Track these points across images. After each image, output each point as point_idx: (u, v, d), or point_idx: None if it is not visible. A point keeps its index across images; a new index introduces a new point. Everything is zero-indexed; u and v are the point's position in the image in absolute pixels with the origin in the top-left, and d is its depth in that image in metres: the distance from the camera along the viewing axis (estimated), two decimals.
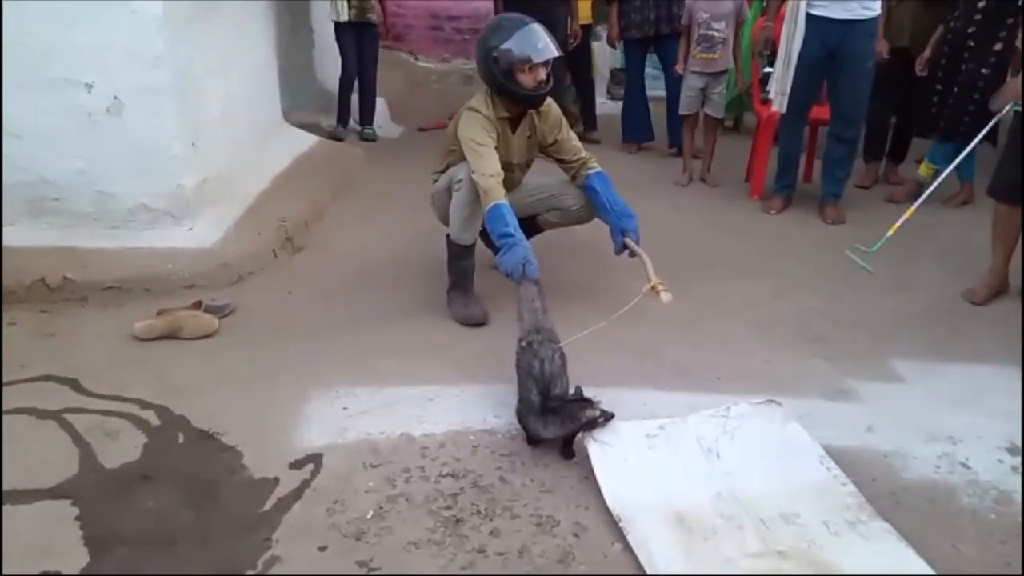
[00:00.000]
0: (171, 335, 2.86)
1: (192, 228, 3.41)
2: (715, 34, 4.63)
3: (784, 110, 4.12)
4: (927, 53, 4.29)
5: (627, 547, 1.87)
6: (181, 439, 2.31)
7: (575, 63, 5.60)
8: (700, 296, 3.21)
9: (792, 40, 3.95)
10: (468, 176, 2.84)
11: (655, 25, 5.16)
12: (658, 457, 2.14)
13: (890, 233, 2.32)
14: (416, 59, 8.03)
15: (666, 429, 2.22)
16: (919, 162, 4.56)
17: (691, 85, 4.76)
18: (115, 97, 3.22)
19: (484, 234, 3.02)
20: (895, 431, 2.33)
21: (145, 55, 3.19)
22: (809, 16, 3.91)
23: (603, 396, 2.23)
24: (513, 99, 2.89)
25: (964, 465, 2.19)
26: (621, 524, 1.91)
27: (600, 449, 2.13)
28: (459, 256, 3.07)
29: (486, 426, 2.35)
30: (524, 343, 2.32)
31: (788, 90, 4.02)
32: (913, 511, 2.00)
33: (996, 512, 2.00)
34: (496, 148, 2.85)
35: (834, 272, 3.53)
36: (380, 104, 6.06)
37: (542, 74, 2.85)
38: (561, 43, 4.79)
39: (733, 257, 3.72)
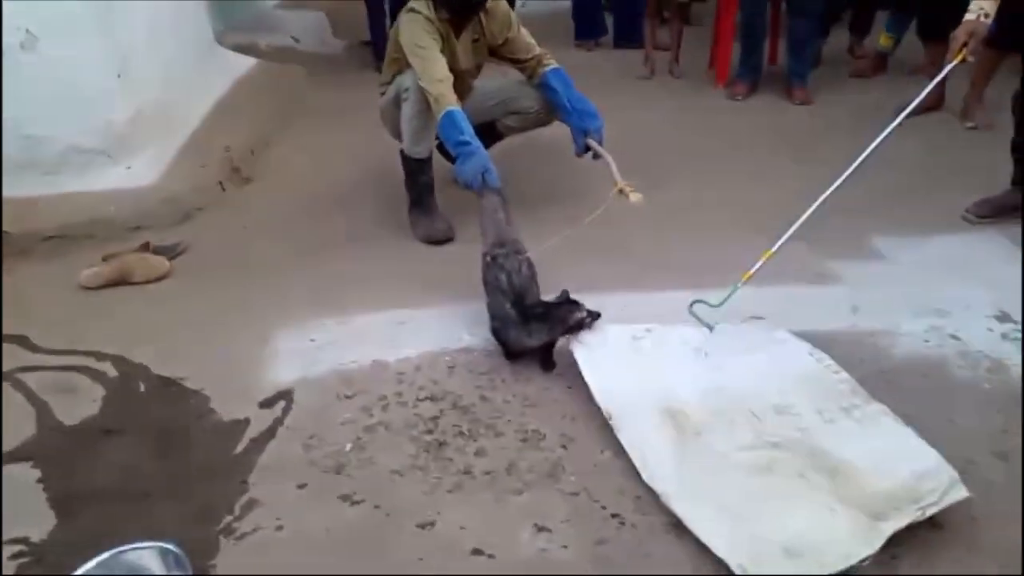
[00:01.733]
0: (121, 281, 2.70)
1: (131, 166, 3.20)
2: None
3: None
4: None
5: (617, 452, 1.81)
6: (142, 388, 2.19)
7: None
8: (673, 191, 3.10)
9: None
10: (416, 84, 2.65)
11: None
12: (646, 356, 2.06)
13: (740, 285, 2.24)
14: None
15: (653, 332, 2.14)
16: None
17: None
18: (27, 31, 2.95)
19: (441, 146, 2.86)
20: (881, 309, 2.27)
21: None
22: None
23: (583, 300, 2.13)
24: (450, 5, 2.68)
25: (954, 337, 2.15)
26: (612, 422, 1.85)
27: (586, 351, 2.04)
28: (416, 171, 2.91)
29: (462, 345, 2.26)
30: (488, 258, 2.21)
31: None
32: (906, 389, 1.96)
33: (989, 381, 1.97)
34: (441, 51, 2.66)
35: (805, 155, 3.42)
36: (319, 17, 5.73)
37: None
38: None
39: (703, 149, 3.59)
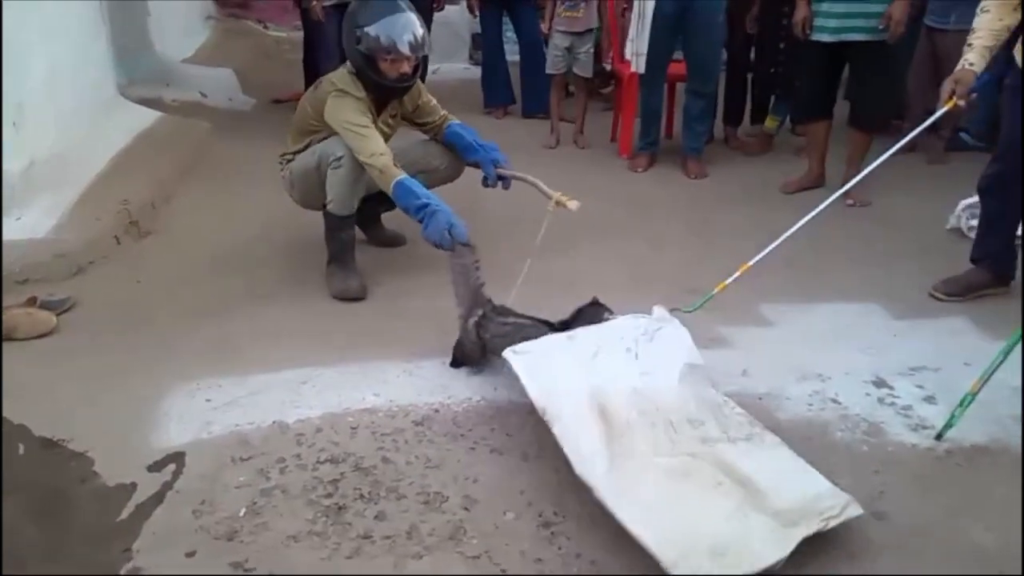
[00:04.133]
0: (5, 336, 2.56)
1: (20, 217, 3.07)
2: None
3: (641, 70, 4.15)
4: (754, 11, 4.44)
5: (520, 514, 1.82)
6: (21, 450, 2.07)
7: None
8: (576, 257, 3.20)
9: (645, 1, 3.96)
10: (348, 152, 2.68)
11: None
12: (578, 355, 2.09)
13: (714, 293, 2.42)
14: (266, 28, 7.61)
15: (588, 331, 2.19)
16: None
17: (557, 44, 4.70)
18: None
19: (361, 209, 2.90)
20: (768, 373, 2.39)
21: None
22: None
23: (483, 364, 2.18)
24: (372, 87, 2.76)
25: (834, 401, 2.27)
26: (545, 417, 1.89)
27: (519, 356, 2.06)
28: (339, 228, 2.91)
29: (365, 405, 2.23)
30: (470, 323, 2.25)
31: (644, 50, 4.05)
32: (791, 449, 2.05)
33: (867, 444, 2.08)
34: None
35: (700, 227, 3.59)
36: (227, 74, 5.69)
37: (406, 67, 2.74)
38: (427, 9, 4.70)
39: (606, 217, 3.72)
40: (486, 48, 5.51)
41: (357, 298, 2.86)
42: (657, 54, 4.13)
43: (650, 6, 4.00)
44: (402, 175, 2.60)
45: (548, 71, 4.82)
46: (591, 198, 3.91)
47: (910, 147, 4.50)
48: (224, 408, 2.22)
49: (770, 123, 4.67)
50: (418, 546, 1.75)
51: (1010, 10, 2.59)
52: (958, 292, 2.85)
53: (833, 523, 1.68)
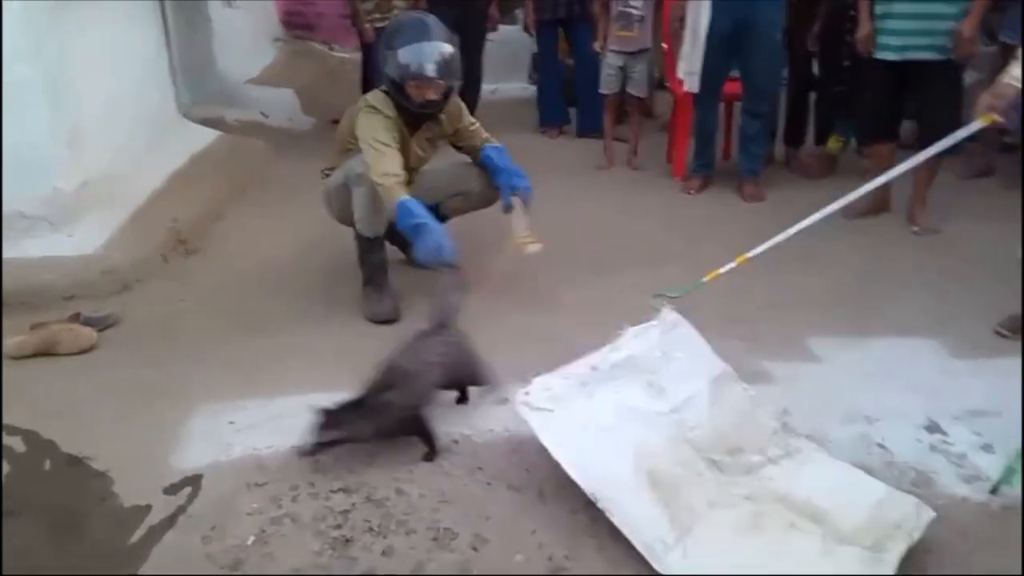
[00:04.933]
0: (46, 351, 2.63)
1: (72, 235, 3.16)
2: (632, 11, 4.51)
3: (695, 89, 4.04)
4: (815, 28, 4.26)
5: (529, 557, 1.74)
6: (48, 466, 2.10)
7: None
8: (617, 281, 3.10)
9: (698, 18, 3.87)
10: (367, 168, 2.68)
11: (567, 7, 5.03)
12: (601, 405, 1.98)
13: (705, 280, 2.31)
14: (331, 49, 7.75)
15: (598, 369, 2.06)
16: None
17: (610, 63, 4.63)
18: None
19: (391, 234, 2.88)
20: (811, 413, 2.24)
21: (6, 50, 2.92)
22: None
23: (509, 393, 2.15)
24: (401, 108, 2.77)
25: (881, 446, 2.11)
26: (600, 506, 1.76)
27: (541, 419, 1.92)
28: (367, 250, 2.91)
29: None
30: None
31: (698, 69, 3.94)
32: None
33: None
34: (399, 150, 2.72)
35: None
36: (289, 95, 5.81)
37: (431, 93, 2.74)
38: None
39: (652, 241, 3.62)
40: (542, 67, 5.48)
41: (389, 320, 2.83)
42: (712, 73, 4.00)
43: (703, 23, 3.88)
44: (404, 196, 2.58)
45: (601, 91, 4.74)
46: (644, 219, 3.86)
47: (984, 170, 4.30)
48: (246, 430, 2.22)
49: (834, 144, 4.48)
50: None
51: None
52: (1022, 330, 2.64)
53: (916, 534, 1.69)
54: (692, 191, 4.23)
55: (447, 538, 1.81)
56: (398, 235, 2.93)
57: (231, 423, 2.25)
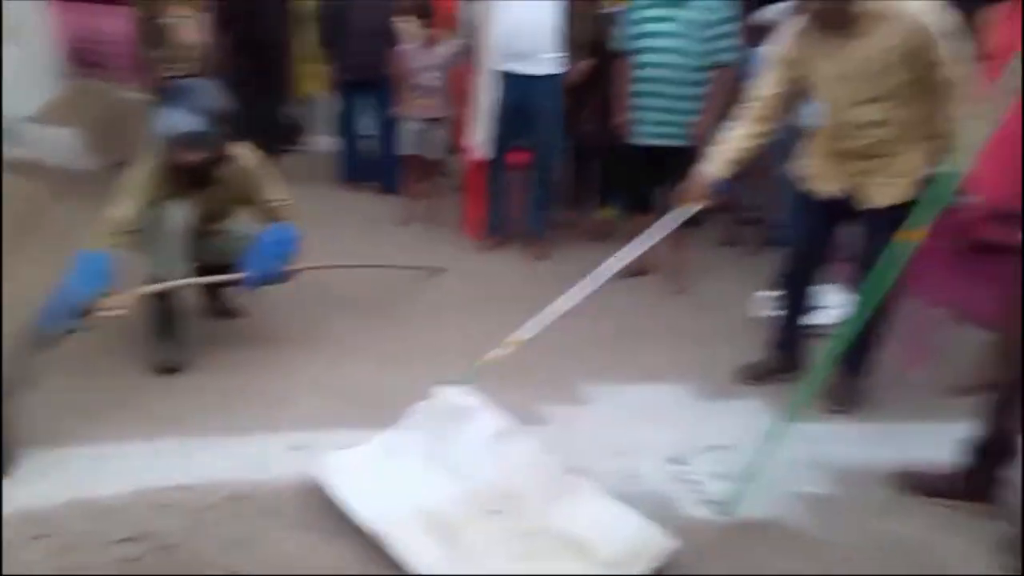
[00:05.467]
0: None
1: None
2: (429, 83, 4.83)
3: (487, 155, 4.39)
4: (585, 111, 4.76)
5: None
6: None
7: None
8: (408, 336, 3.29)
9: (483, 92, 4.24)
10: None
11: (372, 70, 5.25)
12: (391, 465, 2.20)
13: (478, 364, 2.66)
14: (118, 87, 7.40)
15: (388, 447, 2.28)
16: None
17: (410, 128, 4.91)
18: None
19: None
20: (578, 450, 2.53)
21: None
22: (500, 71, 4.24)
23: (302, 440, 2.31)
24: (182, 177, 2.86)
25: (634, 476, 2.43)
26: (383, 538, 1.95)
27: (335, 476, 2.14)
28: (159, 296, 2.89)
29: (174, 482, 2.20)
30: None
31: (487, 138, 4.30)
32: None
33: (659, 517, 2.22)
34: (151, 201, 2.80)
35: (539, 305, 3.76)
36: (71, 134, 5.53)
37: (187, 157, 2.81)
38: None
39: (443, 296, 3.85)
40: (344, 126, 5.66)
41: (173, 370, 2.83)
42: (500, 142, 4.40)
43: (488, 97, 4.27)
44: (98, 246, 2.67)
45: (401, 152, 4.99)
46: (436, 279, 4.10)
47: (731, 241, 4.97)
48: (19, 483, 2.14)
49: (606, 212, 4.98)
50: None
51: (758, 125, 2.85)
52: (754, 377, 3.13)
53: (659, 560, 2.00)
54: (487, 248, 4.54)
55: None
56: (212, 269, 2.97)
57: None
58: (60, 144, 5.44)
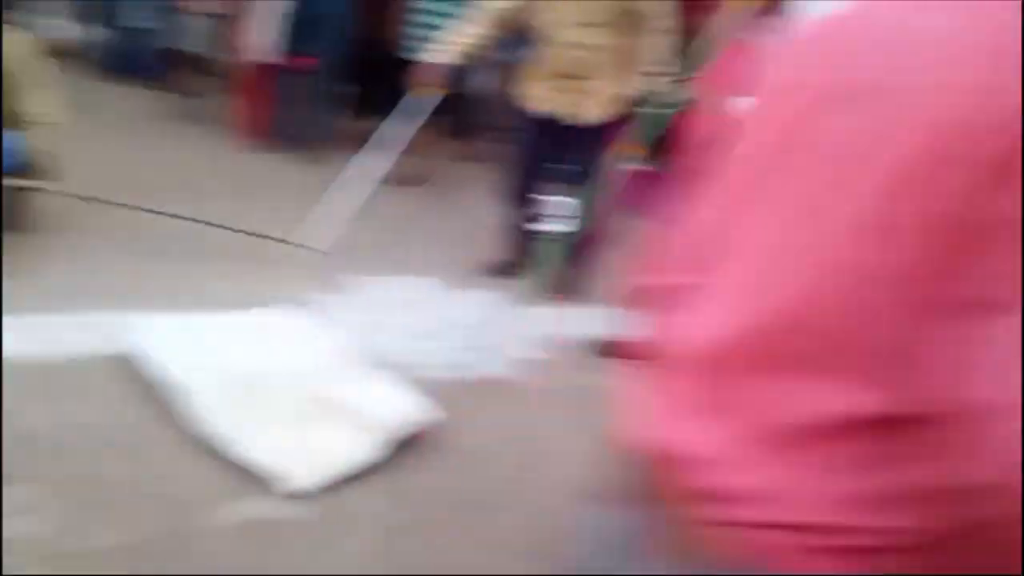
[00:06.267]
0: None
1: None
2: None
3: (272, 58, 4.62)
4: None
5: None
6: None
7: None
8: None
9: None
10: None
11: None
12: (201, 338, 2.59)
13: None
14: None
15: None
16: None
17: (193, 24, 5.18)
18: None
19: None
20: (343, 332, 2.99)
21: None
22: None
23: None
24: None
25: (390, 351, 2.95)
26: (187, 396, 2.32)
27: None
28: None
29: None
30: None
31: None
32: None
33: (414, 382, 2.78)
34: None
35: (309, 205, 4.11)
36: None
37: None
38: None
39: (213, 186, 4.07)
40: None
41: None
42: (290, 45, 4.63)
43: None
44: None
45: (180, 46, 5.24)
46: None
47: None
48: None
49: None
50: None
51: (489, 29, 3.23)
52: (493, 271, 3.77)
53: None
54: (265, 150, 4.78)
55: None
56: None
57: None
58: None
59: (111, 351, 2.54)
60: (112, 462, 2.12)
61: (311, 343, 2.77)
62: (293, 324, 2.85)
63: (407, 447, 2.39)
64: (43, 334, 2.57)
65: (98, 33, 5.57)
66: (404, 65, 4.32)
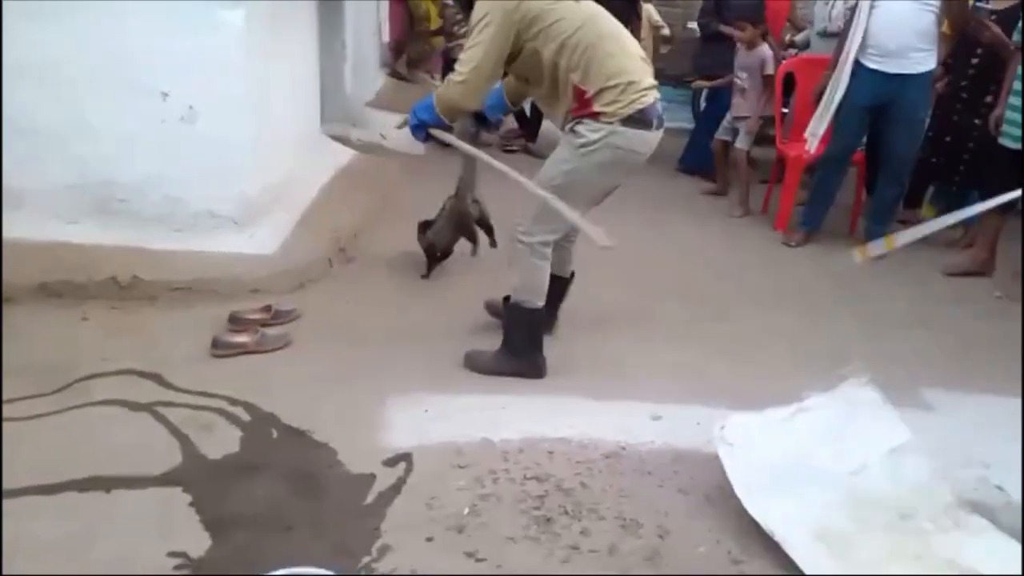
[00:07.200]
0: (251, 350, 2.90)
1: (253, 235, 3.54)
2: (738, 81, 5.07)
3: (812, 150, 4.39)
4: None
5: (711, 549, 2.05)
6: (274, 434, 2.46)
7: None
8: (738, 324, 3.44)
9: (836, 89, 4.21)
10: None
11: None
12: (785, 454, 2.25)
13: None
14: (433, 78, 8.19)
15: (787, 420, 2.34)
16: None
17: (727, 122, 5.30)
18: (190, 107, 3.36)
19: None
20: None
21: (225, 66, 3.34)
22: (862, 67, 4.18)
23: (661, 411, 2.59)
24: None
25: (999, 488, 2.40)
26: (776, 538, 2.02)
27: (728, 452, 2.23)
28: None
29: (559, 435, 2.51)
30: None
31: (820, 133, 4.28)
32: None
33: None
34: None
35: (863, 307, 3.76)
36: (397, 119, 6.23)
37: None
38: None
39: (760, 287, 3.94)
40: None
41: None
42: (844, 141, 4.39)
43: (839, 94, 4.23)
44: None
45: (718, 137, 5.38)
46: (749, 270, 4.18)
47: None
48: (440, 419, 2.56)
49: (927, 212, 4.77)
50: (620, 563, 2.00)
51: None
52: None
53: None
54: (794, 243, 4.55)
55: (634, 527, 2.13)
56: None
57: (425, 411, 2.60)
58: (394, 128, 6.13)
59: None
60: None
61: (929, 489, 2.25)
62: (907, 457, 2.31)
63: None
64: None
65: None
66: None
